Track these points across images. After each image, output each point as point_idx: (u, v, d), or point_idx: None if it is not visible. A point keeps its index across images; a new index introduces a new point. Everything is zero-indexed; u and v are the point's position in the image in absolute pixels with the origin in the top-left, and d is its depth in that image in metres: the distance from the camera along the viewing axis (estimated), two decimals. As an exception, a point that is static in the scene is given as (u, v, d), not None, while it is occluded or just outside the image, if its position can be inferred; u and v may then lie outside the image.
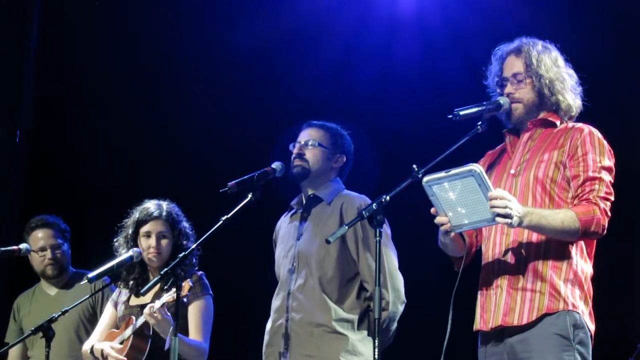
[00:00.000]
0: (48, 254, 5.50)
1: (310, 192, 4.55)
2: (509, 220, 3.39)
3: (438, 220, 3.49)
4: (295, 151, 4.52)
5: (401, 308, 4.36)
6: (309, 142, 4.53)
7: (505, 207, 3.37)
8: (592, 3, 6.02)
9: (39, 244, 5.50)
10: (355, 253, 4.36)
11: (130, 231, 4.86)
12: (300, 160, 4.50)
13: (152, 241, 4.79)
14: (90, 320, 5.43)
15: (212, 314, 4.79)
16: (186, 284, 4.35)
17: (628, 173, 3.80)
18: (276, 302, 4.47)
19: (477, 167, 3.36)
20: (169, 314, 4.47)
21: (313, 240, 4.43)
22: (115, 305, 4.90)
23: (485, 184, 3.36)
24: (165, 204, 4.92)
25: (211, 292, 4.80)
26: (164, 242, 4.82)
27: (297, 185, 4.60)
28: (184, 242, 4.83)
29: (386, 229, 4.40)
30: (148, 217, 4.84)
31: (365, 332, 4.34)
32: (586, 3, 6.03)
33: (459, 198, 3.40)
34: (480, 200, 3.38)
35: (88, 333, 5.29)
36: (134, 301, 4.82)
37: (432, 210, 3.50)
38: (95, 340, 4.84)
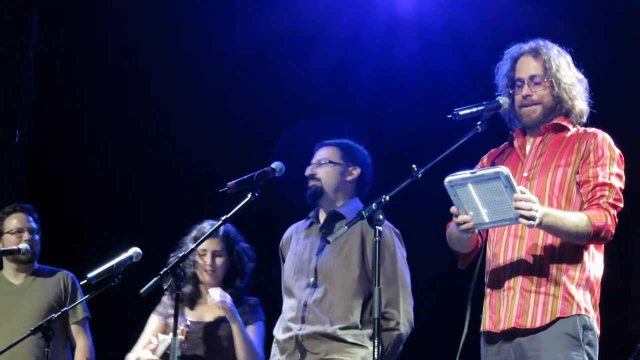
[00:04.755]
0: (25, 235, 5.44)
1: (329, 208, 4.55)
2: (532, 222, 3.40)
3: (460, 219, 3.48)
4: (308, 173, 4.55)
5: (409, 331, 4.39)
6: (320, 161, 4.56)
7: (530, 209, 3.38)
8: (592, 4, 6.02)
9: (16, 225, 5.45)
10: (372, 273, 4.35)
11: (187, 248, 4.89)
12: (313, 180, 4.53)
13: (207, 259, 4.87)
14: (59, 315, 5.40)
15: (262, 339, 4.84)
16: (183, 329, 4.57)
17: (628, 174, 3.80)
18: (290, 313, 4.47)
19: (505, 170, 3.36)
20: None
21: (335, 257, 4.43)
22: (164, 317, 4.92)
23: (511, 185, 3.37)
24: (225, 225, 4.94)
25: (263, 318, 4.88)
26: (218, 260, 4.88)
27: (315, 204, 4.61)
28: (243, 263, 4.89)
29: (402, 251, 4.47)
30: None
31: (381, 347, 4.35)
32: (586, 4, 6.03)
33: (482, 199, 3.40)
34: (505, 201, 3.38)
35: (54, 328, 5.30)
36: (191, 316, 4.86)
37: (453, 209, 3.49)
38: (139, 350, 4.87)
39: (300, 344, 4.35)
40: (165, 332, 4.83)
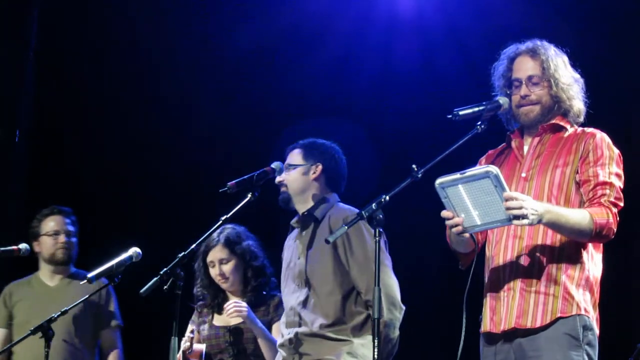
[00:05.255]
0: (62, 237, 5.47)
1: (302, 211, 4.53)
2: (525, 221, 3.39)
3: (452, 222, 3.48)
4: (277, 181, 4.53)
5: (399, 314, 4.30)
6: (286, 167, 4.54)
7: (521, 207, 3.37)
8: (591, 3, 6.02)
9: (53, 227, 5.48)
10: (347, 265, 4.35)
11: (200, 263, 4.99)
12: (282, 187, 4.53)
13: (216, 270, 4.92)
14: (91, 320, 5.41)
15: None
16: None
17: (628, 174, 3.80)
18: (283, 318, 4.51)
19: (494, 169, 3.37)
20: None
21: (311, 257, 4.42)
22: (197, 326, 4.97)
23: (501, 184, 3.36)
24: (227, 228, 4.99)
25: None
26: (225, 267, 4.93)
27: (289, 210, 4.62)
28: (251, 261, 4.93)
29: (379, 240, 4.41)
30: (208, 247, 4.96)
31: (368, 337, 4.32)
32: (585, 3, 6.03)
33: (473, 199, 3.40)
34: (495, 201, 3.38)
35: (85, 334, 5.31)
36: (218, 321, 4.94)
37: (443, 213, 3.48)
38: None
39: (292, 348, 4.36)
40: (197, 339, 4.89)
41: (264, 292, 4.95)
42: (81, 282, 5.26)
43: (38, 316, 5.28)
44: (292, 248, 4.58)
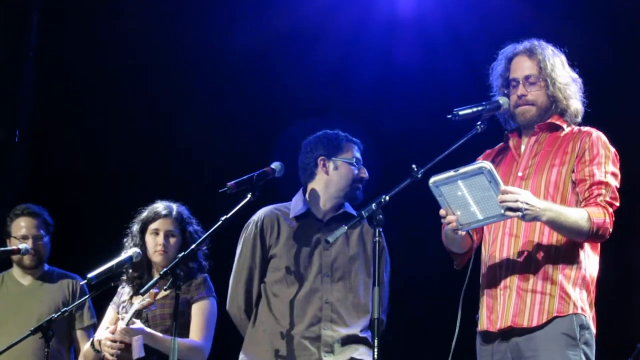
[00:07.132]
0: (29, 243, 5.45)
1: (338, 207, 4.46)
2: (518, 214, 3.40)
3: (447, 219, 3.49)
4: (365, 176, 4.49)
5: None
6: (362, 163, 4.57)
7: (516, 200, 3.38)
8: (592, 3, 6.02)
9: (21, 231, 5.45)
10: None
11: (136, 228, 4.84)
12: (362, 183, 4.51)
13: (160, 239, 4.77)
14: (64, 320, 5.34)
15: (215, 316, 4.77)
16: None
17: (627, 174, 3.81)
18: (303, 308, 4.32)
19: (487, 164, 3.38)
20: (137, 324, 4.49)
21: (355, 256, 4.40)
22: (117, 307, 4.87)
23: (495, 180, 3.38)
24: (175, 205, 4.90)
25: (215, 295, 4.79)
26: (172, 240, 4.79)
27: (304, 186, 4.57)
28: (191, 245, 4.76)
29: (388, 258, 4.47)
30: (157, 215, 4.83)
31: None
32: (586, 3, 6.04)
33: (468, 196, 3.41)
34: (490, 197, 3.39)
35: (60, 334, 5.27)
36: (141, 301, 4.74)
37: (441, 211, 3.49)
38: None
39: (330, 345, 4.26)
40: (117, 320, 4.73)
41: (191, 274, 4.74)
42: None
43: (12, 315, 5.29)
44: (309, 232, 4.42)
